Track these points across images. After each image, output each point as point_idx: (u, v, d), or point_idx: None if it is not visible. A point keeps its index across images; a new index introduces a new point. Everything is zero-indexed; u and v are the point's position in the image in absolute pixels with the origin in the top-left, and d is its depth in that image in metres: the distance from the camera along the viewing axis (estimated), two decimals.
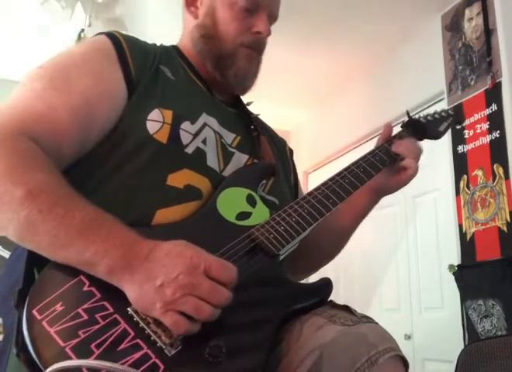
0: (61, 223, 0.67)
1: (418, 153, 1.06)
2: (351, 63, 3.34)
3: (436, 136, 1.14)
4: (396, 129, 1.11)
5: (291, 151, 1.18)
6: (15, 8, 2.81)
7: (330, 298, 0.83)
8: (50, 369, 0.58)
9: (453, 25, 2.69)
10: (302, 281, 0.98)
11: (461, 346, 1.83)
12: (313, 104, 3.92)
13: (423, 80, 2.91)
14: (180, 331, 0.63)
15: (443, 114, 1.17)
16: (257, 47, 1.00)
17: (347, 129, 3.63)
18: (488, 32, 2.44)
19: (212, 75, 1.00)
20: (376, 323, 0.77)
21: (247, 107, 1.10)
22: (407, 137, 1.08)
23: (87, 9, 2.56)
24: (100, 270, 0.66)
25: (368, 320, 0.77)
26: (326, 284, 0.83)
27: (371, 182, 0.99)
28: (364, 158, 1.01)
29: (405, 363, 0.72)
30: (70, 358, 0.60)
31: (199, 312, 0.64)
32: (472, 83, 2.50)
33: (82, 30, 2.59)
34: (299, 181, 1.18)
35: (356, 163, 0.99)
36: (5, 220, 0.69)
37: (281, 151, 1.13)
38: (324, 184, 0.92)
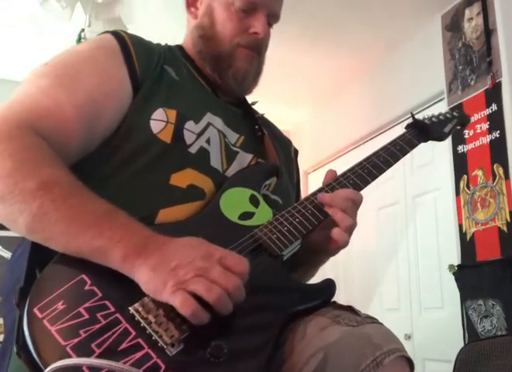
0: (76, 212, 0.67)
1: (351, 210, 0.85)
2: (351, 63, 3.34)
3: (440, 137, 1.11)
4: (398, 129, 1.10)
5: (295, 151, 1.17)
6: (16, 8, 2.81)
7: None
8: (50, 368, 0.58)
9: (453, 25, 2.69)
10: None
11: (461, 346, 1.82)
12: (314, 104, 3.92)
13: (423, 80, 2.91)
14: (188, 311, 0.62)
15: (447, 115, 1.15)
16: (255, 48, 0.99)
17: (347, 129, 3.63)
18: (488, 32, 2.44)
19: (213, 76, 1.00)
20: (381, 324, 0.76)
21: (252, 106, 1.09)
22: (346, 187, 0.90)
23: (87, 9, 2.55)
24: (113, 256, 0.65)
25: (373, 320, 0.77)
26: (329, 285, 0.82)
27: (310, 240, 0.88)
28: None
29: (410, 363, 0.72)
30: (70, 357, 0.59)
31: (210, 292, 0.63)
32: (472, 83, 2.50)
33: (82, 30, 2.58)
34: (300, 182, 1.17)
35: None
36: (15, 212, 0.68)
37: (286, 151, 1.12)
38: (328, 185, 0.92)
